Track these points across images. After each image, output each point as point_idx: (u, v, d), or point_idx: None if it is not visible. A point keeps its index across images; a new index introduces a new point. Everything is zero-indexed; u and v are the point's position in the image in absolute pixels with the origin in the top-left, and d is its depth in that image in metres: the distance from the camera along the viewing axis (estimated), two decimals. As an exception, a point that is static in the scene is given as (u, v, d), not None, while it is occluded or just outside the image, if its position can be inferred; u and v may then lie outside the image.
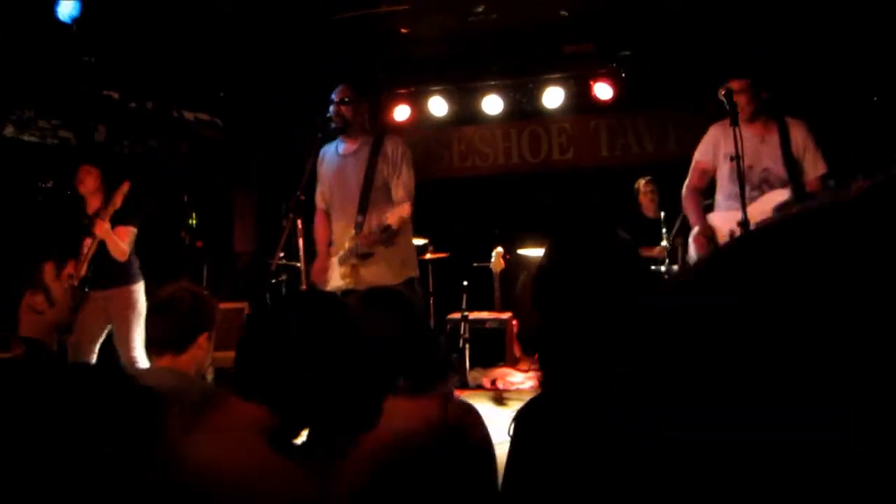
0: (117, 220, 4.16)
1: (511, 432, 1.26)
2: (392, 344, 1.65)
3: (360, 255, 3.67)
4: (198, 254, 5.35)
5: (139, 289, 4.28)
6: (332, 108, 3.78)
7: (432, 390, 1.73)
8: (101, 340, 4.24)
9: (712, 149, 3.74)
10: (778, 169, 3.53)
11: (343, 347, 1.35)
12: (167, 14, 4.77)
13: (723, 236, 3.59)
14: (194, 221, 5.33)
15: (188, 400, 2.06)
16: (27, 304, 4.04)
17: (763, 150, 3.58)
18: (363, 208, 3.71)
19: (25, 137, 5.22)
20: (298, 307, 1.43)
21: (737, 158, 3.19)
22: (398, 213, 3.52)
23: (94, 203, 4.29)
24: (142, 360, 4.05)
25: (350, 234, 3.72)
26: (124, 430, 1.06)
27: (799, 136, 3.59)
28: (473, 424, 1.75)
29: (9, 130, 5.11)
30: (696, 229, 3.75)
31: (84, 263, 4.08)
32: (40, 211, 4.52)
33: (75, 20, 4.22)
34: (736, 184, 3.33)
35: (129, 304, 4.21)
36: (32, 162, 5.13)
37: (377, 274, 3.67)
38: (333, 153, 3.91)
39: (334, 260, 3.80)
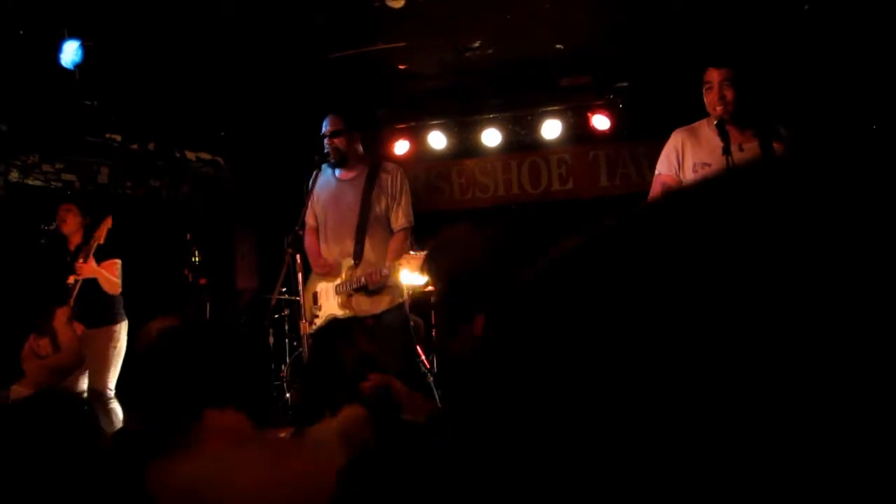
0: (102, 255, 4.19)
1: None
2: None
3: (356, 289, 3.72)
4: (201, 291, 5.37)
5: (121, 328, 4.31)
6: (326, 143, 3.84)
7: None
8: (85, 375, 4.24)
9: (676, 158, 3.19)
10: None
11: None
12: (167, 56, 4.87)
13: None
14: (197, 259, 5.36)
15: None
16: (30, 348, 4.03)
17: (741, 159, 2.93)
18: (360, 238, 3.76)
19: (30, 181, 5.29)
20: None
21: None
22: (405, 262, 3.57)
23: (77, 241, 4.32)
24: (113, 395, 4.13)
25: (348, 265, 3.77)
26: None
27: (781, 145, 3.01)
28: None
29: (13, 175, 5.18)
30: None
31: (70, 301, 4.09)
32: (43, 254, 4.56)
33: (78, 66, 4.30)
34: None
35: (111, 344, 4.24)
36: (37, 206, 5.20)
37: (367, 301, 3.78)
38: (330, 175, 3.98)
39: (330, 287, 3.86)
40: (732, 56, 3.14)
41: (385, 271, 3.65)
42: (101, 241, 4.14)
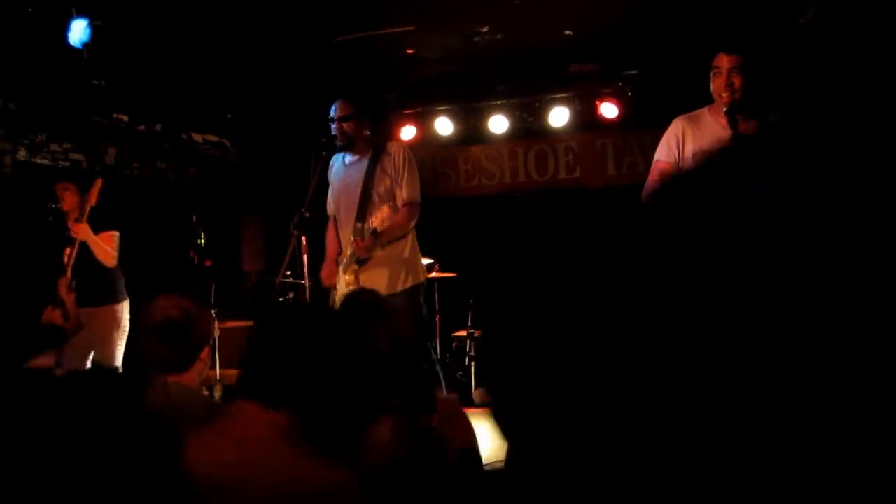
0: (99, 226, 4.16)
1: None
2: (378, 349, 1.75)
3: (359, 262, 3.73)
4: (207, 273, 5.39)
5: (124, 307, 4.29)
6: (334, 127, 3.84)
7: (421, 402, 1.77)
8: (90, 357, 4.24)
9: (676, 145, 3.15)
10: None
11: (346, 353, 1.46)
12: (175, 38, 4.87)
13: None
14: (203, 241, 5.37)
15: (196, 412, 2.11)
16: (47, 319, 4.06)
17: None
18: (361, 216, 3.77)
19: (38, 161, 5.30)
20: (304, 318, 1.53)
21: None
22: (380, 216, 3.57)
23: (75, 217, 4.25)
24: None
25: (351, 242, 3.79)
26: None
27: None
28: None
29: (22, 154, 5.20)
30: None
31: (67, 271, 4.06)
32: (50, 232, 4.58)
33: (86, 45, 4.30)
34: None
35: (114, 323, 4.23)
36: (45, 185, 5.22)
37: (377, 280, 3.73)
38: (341, 162, 4.01)
39: (341, 268, 3.87)
40: (744, 43, 3.11)
41: (367, 238, 3.63)
42: (93, 203, 4.09)
